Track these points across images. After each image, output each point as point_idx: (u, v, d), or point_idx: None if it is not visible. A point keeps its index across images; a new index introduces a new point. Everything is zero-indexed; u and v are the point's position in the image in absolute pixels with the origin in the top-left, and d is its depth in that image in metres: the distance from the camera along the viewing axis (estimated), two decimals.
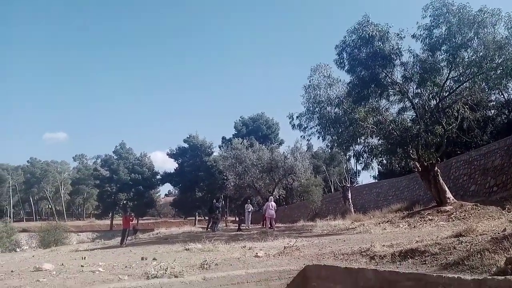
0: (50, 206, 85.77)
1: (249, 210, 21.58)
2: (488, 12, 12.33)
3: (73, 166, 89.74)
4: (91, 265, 7.02)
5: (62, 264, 7.45)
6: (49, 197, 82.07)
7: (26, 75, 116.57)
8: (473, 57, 12.80)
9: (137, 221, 51.39)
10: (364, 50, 13.43)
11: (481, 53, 12.53)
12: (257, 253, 7.02)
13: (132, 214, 17.51)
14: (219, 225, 19.96)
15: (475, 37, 12.52)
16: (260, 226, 21.78)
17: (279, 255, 6.89)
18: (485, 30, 12.37)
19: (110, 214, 60.60)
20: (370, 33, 13.19)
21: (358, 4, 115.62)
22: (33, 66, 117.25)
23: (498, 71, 12.34)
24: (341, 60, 14.26)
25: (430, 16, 13.05)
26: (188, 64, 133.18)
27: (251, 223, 23.52)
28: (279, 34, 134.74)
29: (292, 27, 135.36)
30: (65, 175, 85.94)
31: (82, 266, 6.98)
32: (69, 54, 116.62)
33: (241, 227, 19.48)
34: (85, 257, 9.38)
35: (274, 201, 18.60)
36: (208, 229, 19.46)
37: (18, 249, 23.34)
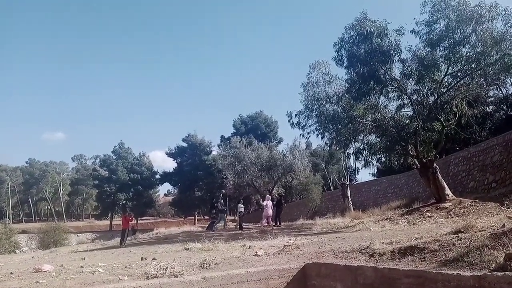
0: (49, 207, 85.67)
1: (240, 210, 21.38)
2: (486, 7, 12.29)
3: (71, 166, 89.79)
4: (91, 266, 7.00)
5: (62, 265, 7.44)
6: (48, 198, 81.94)
7: (24, 75, 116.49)
8: (471, 53, 12.79)
9: (137, 221, 51.46)
10: (363, 47, 13.38)
11: (479, 49, 12.51)
12: (256, 252, 7.01)
13: (131, 214, 17.49)
14: (217, 224, 20.01)
15: (473, 33, 12.50)
16: (259, 225, 21.81)
17: (279, 253, 6.87)
18: (483, 26, 12.34)
19: (110, 215, 60.53)
20: (368, 29, 13.14)
21: (357, 0, 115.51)
22: (31, 66, 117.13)
23: (496, 67, 12.33)
24: (340, 57, 14.22)
25: (428, 12, 13.03)
26: (186, 63, 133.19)
27: (250, 222, 23.55)
28: (277, 31, 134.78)
29: (291, 25, 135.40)
30: (64, 176, 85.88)
31: (81, 266, 6.96)
32: (67, 53, 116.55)
33: (242, 226, 19.52)
34: (84, 258, 9.37)
35: (272, 200, 18.76)
36: (208, 229, 19.53)
37: (17, 251, 23.29)
